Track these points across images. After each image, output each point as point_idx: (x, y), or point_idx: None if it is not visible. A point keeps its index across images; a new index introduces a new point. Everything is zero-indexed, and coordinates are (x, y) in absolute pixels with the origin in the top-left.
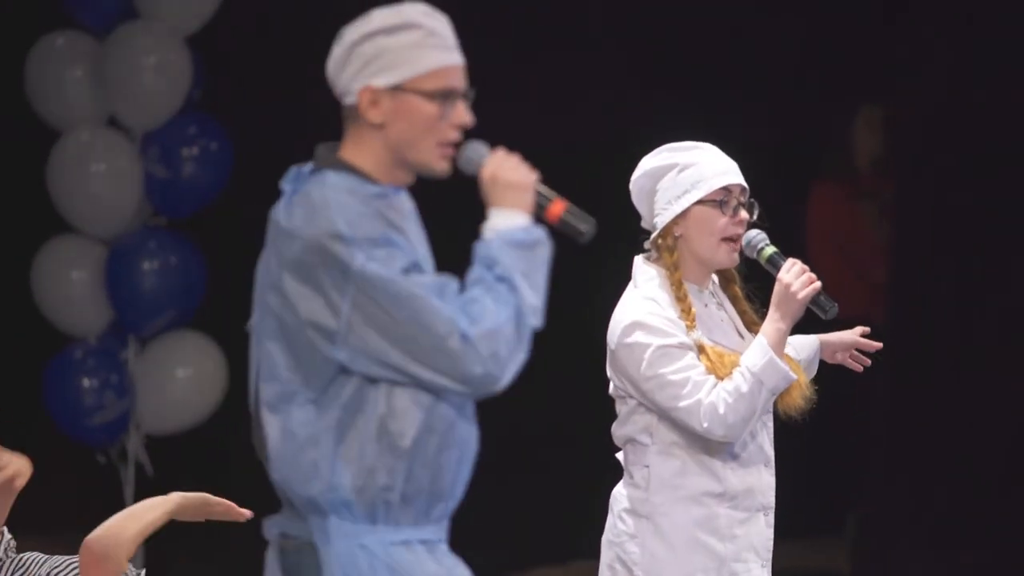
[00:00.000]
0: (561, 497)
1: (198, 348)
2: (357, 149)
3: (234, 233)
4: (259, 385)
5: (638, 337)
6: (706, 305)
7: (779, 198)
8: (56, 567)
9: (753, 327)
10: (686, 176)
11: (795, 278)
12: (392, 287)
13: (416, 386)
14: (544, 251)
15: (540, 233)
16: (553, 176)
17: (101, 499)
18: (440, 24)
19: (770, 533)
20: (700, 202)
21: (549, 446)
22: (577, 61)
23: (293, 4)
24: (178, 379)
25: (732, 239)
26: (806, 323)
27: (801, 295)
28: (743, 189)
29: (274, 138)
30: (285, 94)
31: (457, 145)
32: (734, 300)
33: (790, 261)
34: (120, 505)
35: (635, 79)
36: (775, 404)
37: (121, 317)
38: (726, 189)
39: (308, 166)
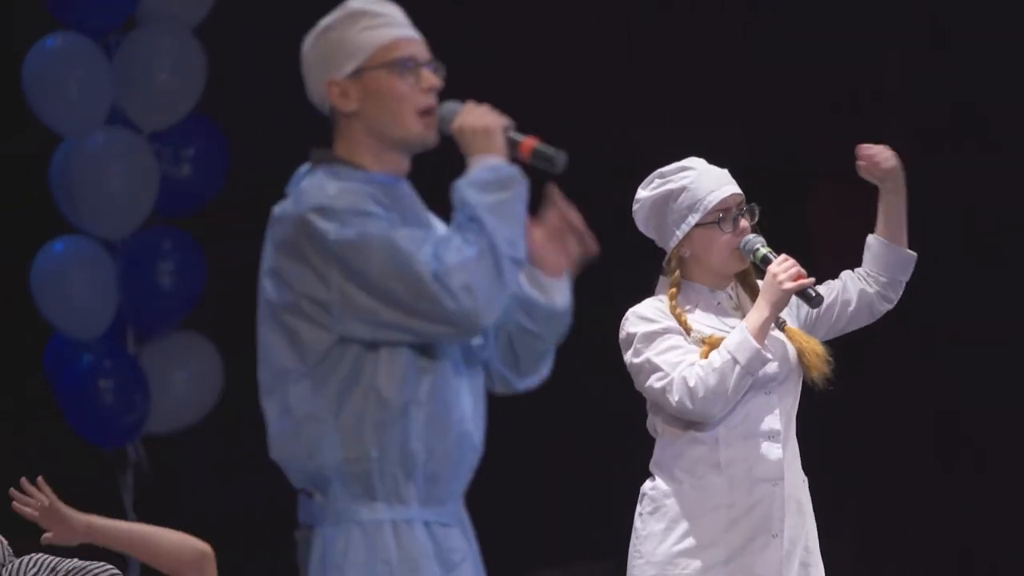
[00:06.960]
0: (562, 498)
1: (196, 348)
2: (345, 144)
3: (232, 233)
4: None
5: (629, 327)
6: (719, 303)
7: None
8: (72, 570)
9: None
10: (681, 202)
11: (783, 270)
12: (366, 243)
13: (412, 349)
14: (516, 186)
15: (509, 170)
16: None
17: (100, 499)
18: (384, 7)
19: (780, 503)
20: (699, 225)
21: (549, 447)
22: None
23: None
24: (176, 379)
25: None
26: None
27: (786, 286)
28: (738, 197)
29: (274, 138)
30: (284, 94)
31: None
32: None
33: (782, 256)
34: (119, 505)
35: (635, 78)
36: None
37: (135, 318)
38: (723, 205)
39: (306, 166)
